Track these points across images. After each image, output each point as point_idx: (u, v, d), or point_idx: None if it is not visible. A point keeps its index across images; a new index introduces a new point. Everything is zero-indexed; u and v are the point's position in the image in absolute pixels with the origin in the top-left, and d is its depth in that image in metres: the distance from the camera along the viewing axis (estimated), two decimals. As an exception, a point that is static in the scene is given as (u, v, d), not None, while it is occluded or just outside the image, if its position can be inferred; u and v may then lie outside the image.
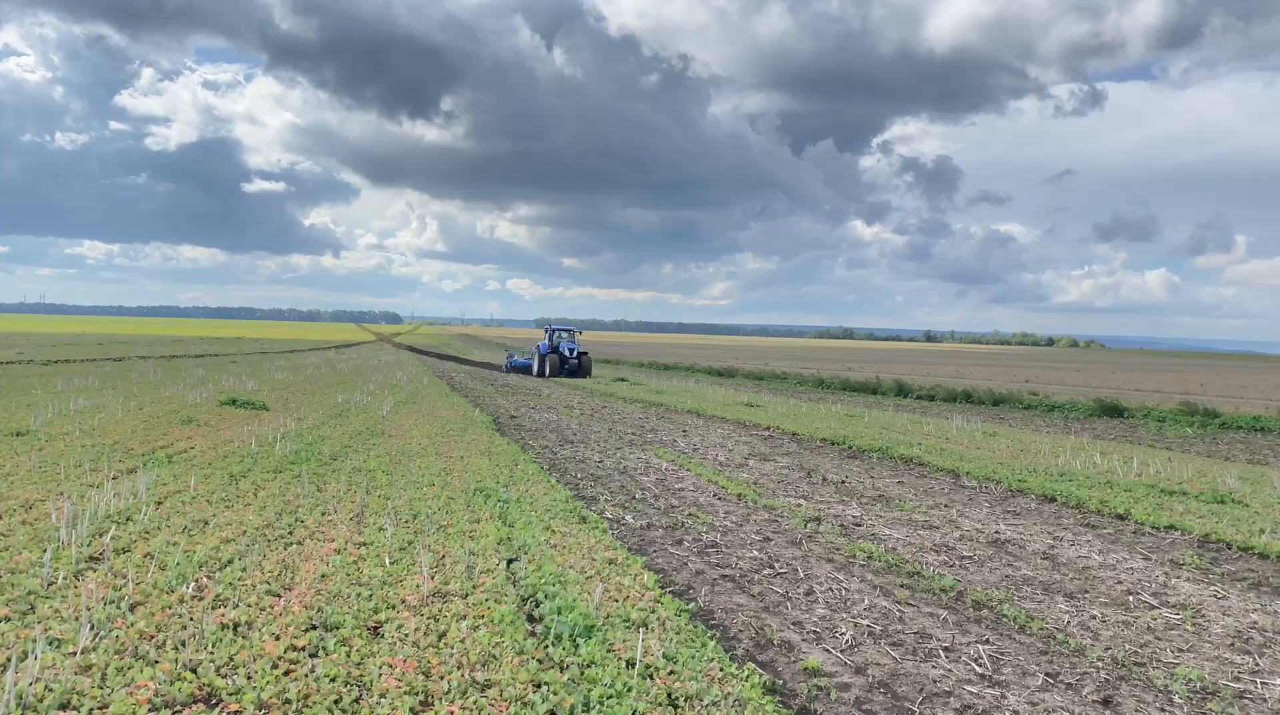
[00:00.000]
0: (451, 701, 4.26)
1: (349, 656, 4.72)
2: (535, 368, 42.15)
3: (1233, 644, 6.01)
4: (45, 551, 6.17)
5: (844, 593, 6.85)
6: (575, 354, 41.58)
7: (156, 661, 4.49)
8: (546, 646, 5.07)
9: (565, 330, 43.89)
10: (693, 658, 5.04)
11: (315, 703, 4.15)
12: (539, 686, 4.49)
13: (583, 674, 4.70)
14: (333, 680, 4.39)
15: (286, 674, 4.46)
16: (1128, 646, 5.86)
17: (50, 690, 4.06)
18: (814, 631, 5.93)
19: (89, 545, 6.58)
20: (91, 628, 4.83)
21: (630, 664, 4.86)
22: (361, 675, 4.50)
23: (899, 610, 6.45)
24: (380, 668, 4.57)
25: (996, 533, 9.27)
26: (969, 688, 5.06)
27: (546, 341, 42.49)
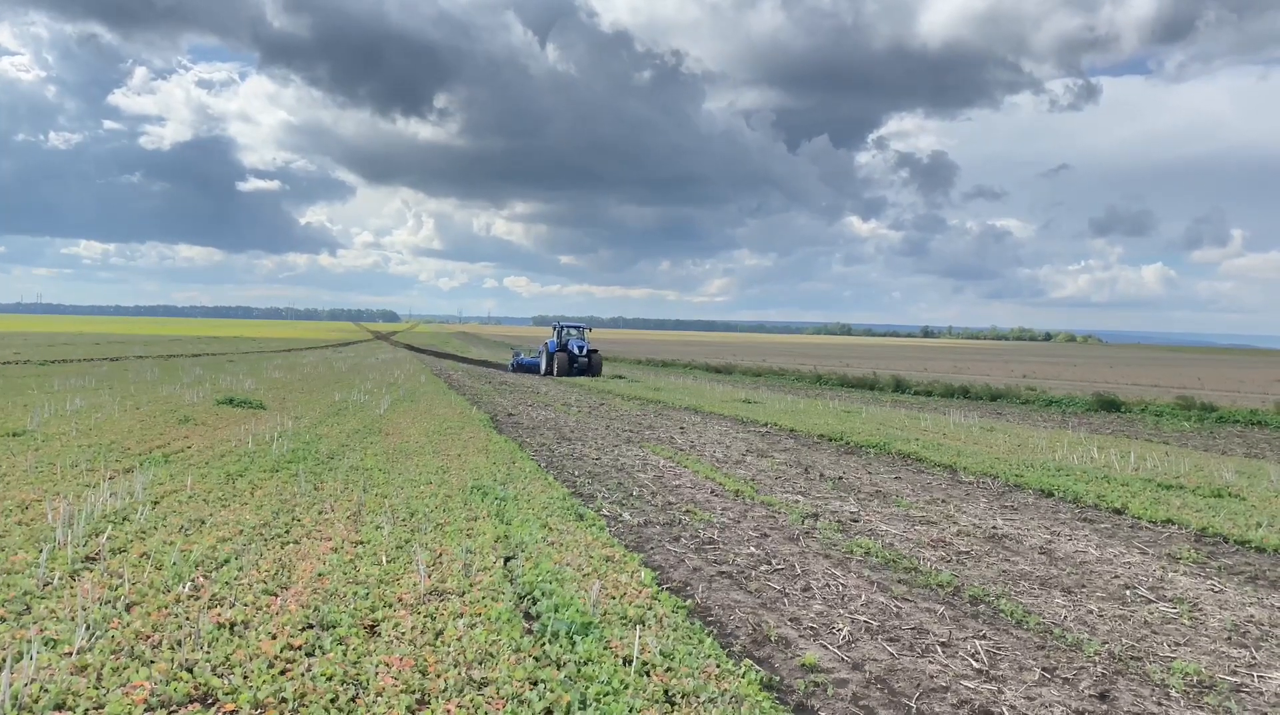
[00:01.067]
0: (448, 700, 4.26)
1: (346, 655, 4.71)
2: (543, 366, 40.62)
3: (1230, 637, 6.02)
4: (41, 552, 6.16)
5: (841, 589, 6.86)
6: (585, 352, 39.74)
7: (153, 661, 4.48)
8: (543, 644, 5.07)
9: (575, 327, 41.97)
10: (690, 655, 5.04)
11: (312, 702, 4.14)
12: (536, 684, 4.49)
13: (580, 671, 4.69)
14: (329, 679, 4.38)
15: (283, 673, 4.46)
16: (1125, 641, 5.87)
17: (46, 691, 4.05)
18: (811, 628, 5.94)
19: (85, 545, 6.57)
20: (87, 628, 4.82)
21: (627, 661, 4.86)
22: (358, 674, 4.49)
23: (896, 606, 6.46)
24: (377, 666, 4.57)
25: (994, 528, 9.28)
26: (966, 683, 5.06)
27: (555, 339, 40.80)
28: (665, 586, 6.67)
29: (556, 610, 5.52)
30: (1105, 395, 28.45)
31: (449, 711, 4.14)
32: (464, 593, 5.94)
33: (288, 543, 7.06)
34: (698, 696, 4.50)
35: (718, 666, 4.92)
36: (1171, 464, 14.06)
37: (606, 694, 4.43)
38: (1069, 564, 7.86)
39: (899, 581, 7.12)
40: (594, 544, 7.58)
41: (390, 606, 5.56)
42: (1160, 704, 4.90)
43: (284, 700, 4.16)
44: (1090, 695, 4.96)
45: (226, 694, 4.19)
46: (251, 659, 4.57)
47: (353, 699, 4.22)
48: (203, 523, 7.56)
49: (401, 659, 4.67)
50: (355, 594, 5.73)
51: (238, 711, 4.05)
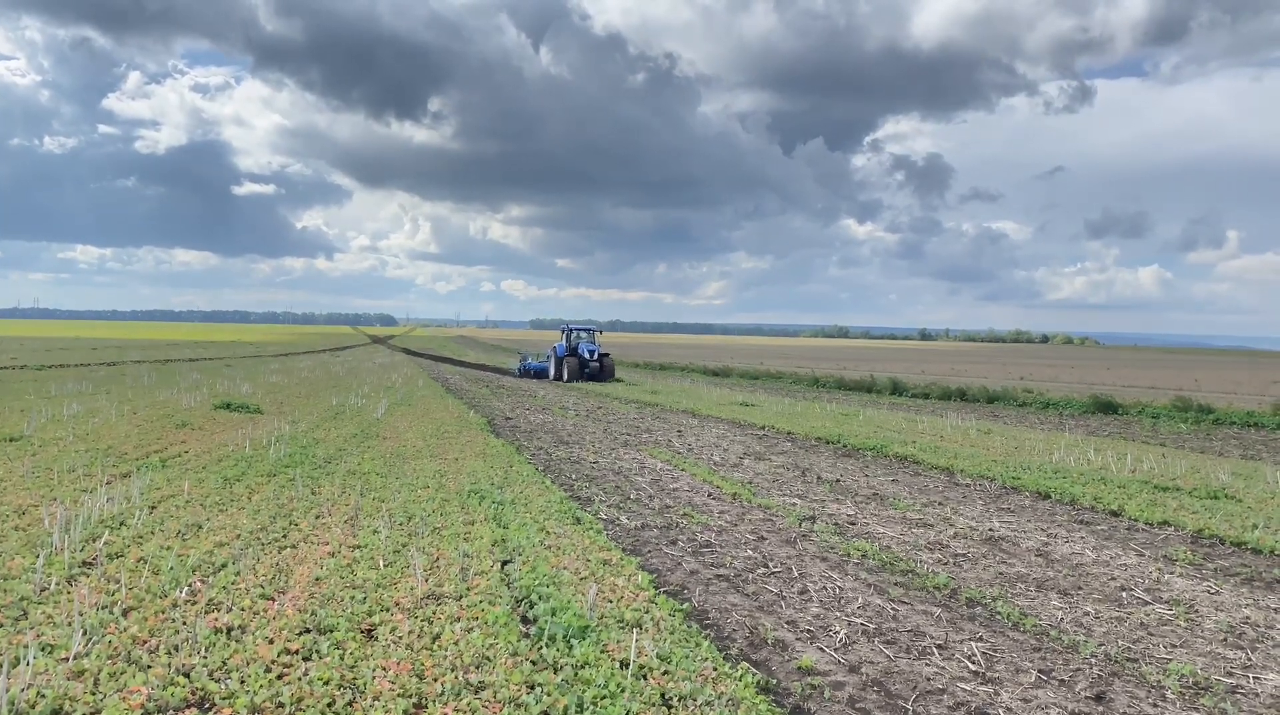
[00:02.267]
0: (445, 703, 4.26)
1: (343, 659, 4.71)
2: (552, 371, 39.25)
3: (1225, 639, 6.03)
4: (38, 557, 6.16)
5: (838, 591, 6.87)
6: (596, 356, 38.27)
7: (149, 666, 4.48)
8: (540, 648, 5.07)
9: (584, 330, 40.44)
10: (687, 658, 5.05)
11: (309, 706, 4.14)
12: (533, 688, 4.49)
13: (576, 675, 4.70)
14: (326, 683, 4.39)
15: (280, 677, 4.46)
16: (1121, 642, 5.88)
17: (42, 696, 4.05)
18: (808, 630, 5.94)
19: (82, 550, 6.57)
20: (84, 633, 4.82)
21: (624, 665, 4.86)
22: (355, 678, 4.49)
23: (893, 608, 6.47)
24: (374, 670, 4.57)
25: (990, 530, 9.29)
26: (962, 685, 5.07)
27: (563, 343, 39.56)
28: (662, 590, 6.68)
29: (554, 614, 5.52)
30: (1102, 397, 28.48)
31: (446, 715, 4.14)
32: (461, 596, 5.94)
33: (285, 547, 7.05)
34: (694, 699, 4.51)
35: (714, 669, 4.92)
36: (1168, 466, 14.08)
37: (603, 697, 4.44)
38: (1065, 566, 7.88)
39: (896, 584, 7.13)
40: (591, 547, 7.58)
41: (387, 610, 5.56)
42: (1156, 705, 4.91)
43: (281, 705, 4.16)
44: (1086, 697, 4.98)
45: (223, 698, 4.20)
46: (248, 663, 4.57)
47: (350, 703, 4.22)
48: (200, 527, 7.56)
49: (399, 663, 4.67)
50: (352, 598, 5.73)
51: (235, 716, 4.05)
